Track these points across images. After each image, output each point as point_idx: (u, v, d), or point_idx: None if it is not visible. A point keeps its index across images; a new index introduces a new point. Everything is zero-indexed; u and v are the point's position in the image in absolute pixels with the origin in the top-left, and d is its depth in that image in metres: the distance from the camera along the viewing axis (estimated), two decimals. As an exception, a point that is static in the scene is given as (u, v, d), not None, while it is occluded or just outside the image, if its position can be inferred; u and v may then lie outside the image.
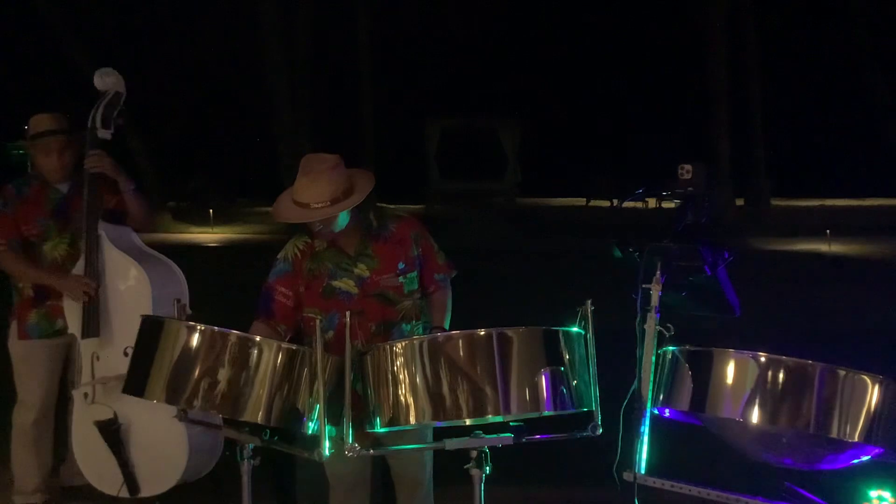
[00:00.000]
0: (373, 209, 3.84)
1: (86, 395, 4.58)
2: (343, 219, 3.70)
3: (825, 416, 3.14)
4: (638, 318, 3.47)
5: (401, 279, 3.78)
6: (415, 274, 3.82)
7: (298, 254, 3.80)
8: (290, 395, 3.23)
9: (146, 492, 4.54)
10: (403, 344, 3.23)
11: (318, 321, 3.27)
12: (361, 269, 3.75)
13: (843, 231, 19.36)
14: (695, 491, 3.35)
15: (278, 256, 3.84)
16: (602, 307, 3.36)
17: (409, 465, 3.85)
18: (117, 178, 4.72)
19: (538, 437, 3.28)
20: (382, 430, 3.26)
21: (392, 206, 4.06)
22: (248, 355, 3.22)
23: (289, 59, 21.25)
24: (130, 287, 4.59)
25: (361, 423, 3.28)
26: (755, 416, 3.21)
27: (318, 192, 3.59)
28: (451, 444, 3.23)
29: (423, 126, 30.07)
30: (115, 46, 23.42)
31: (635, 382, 3.45)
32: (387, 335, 3.70)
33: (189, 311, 3.61)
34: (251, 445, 3.39)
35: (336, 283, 3.74)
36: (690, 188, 3.57)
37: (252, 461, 3.42)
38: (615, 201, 29.01)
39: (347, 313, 3.23)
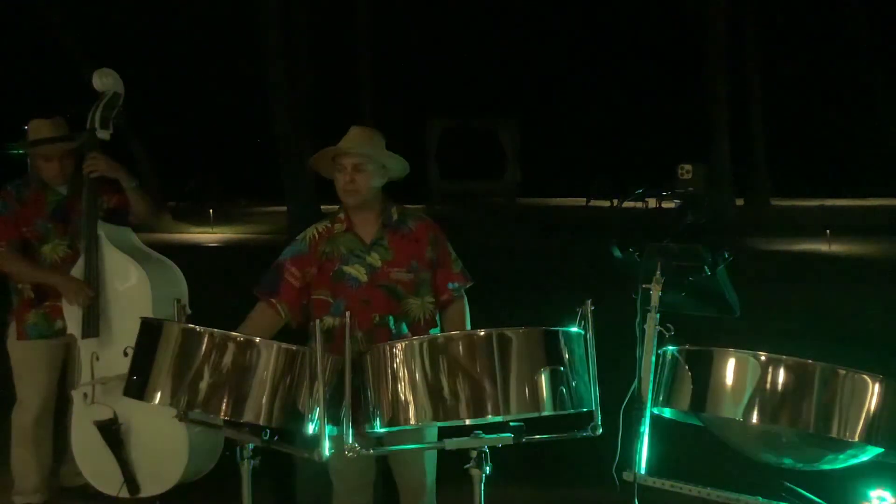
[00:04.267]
0: (395, 205, 3.89)
1: (85, 395, 4.58)
2: (372, 188, 3.78)
3: (825, 416, 3.14)
4: (638, 318, 3.47)
5: (411, 276, 3.79)
6: (427, 275, 3.83)
7: (317, 235, 3.84)
8: (290, 396, 3.23)
9: (146, 492, 4.54)
10: (403, 344, 3.23)
11: (317, 322, 3.27)
12: (373, 259, 3.77)
13: (843, 231, 19.37)
14: (695, 491, 3.35)
15: (297, 237, 3.89)
16: (602, 307, 3.36)
17: (411, 470, 3.84)
18: (117, 176, 4.71)
19: (538, 437, 3.28)
20: (382, 430, 3.26)
21: (412, 207, 4.09)
22: (248, 356, 3.22)
23: (288, 59, 21.23)
24: (130, 287, 4.59)
25: (361, 423, 3.28)
26: (755, 415, 3.21)
27: (362, 141, 3.75)
28: (451, 444, 3.23)
29: (423, 126, 30.08)
30: (114, 46, 23.40)
31: (635, 382, 3.45)
32: (388, 330, 3.70)
33: (189, 311, 3.61)
34: (251, 445, 3.39)
35: (347, 269, 3.77)
36: (690, 188, 3.58)
37: (252, 461, 3.42)
38: (615, 201, 29.01)
39: (347, 314, 3.23)
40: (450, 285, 3.88)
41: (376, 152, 3.79)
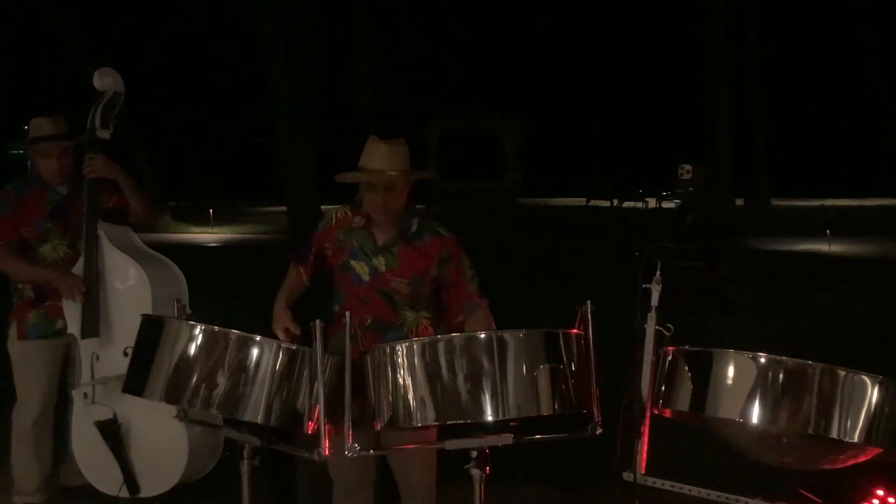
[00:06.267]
0: (419, 215, 3.85)
1: (85, 395, 4.58)
2: (402, 203, 3.75)
3: (825, 417, 3.15)
4: (638, 318, 3.48)
5: (411, 289, 3.75)
6: (428, 291, 3.79)
7: (333, 220, 3.85)
8: (290, 395, 3.24)
9: (146, 492, 4.54)
10: (405, 345, 3.23)
11: (317, 322, 3.27)
12: (379, 262, 3.76)
13: (843, 231, 19.38)
14: (695, 491, 3.35)
15: (325, 215, 3.92)
16: (602, 307, 3.36)
17: (408, 471, 3.83)
18: (115, 176, 4.70)
19: (538, 437, 3.28)
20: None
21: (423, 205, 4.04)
22: (248, 355, 3.23)
23: (289, 60, 21.21)
24: (130, 287, 4.59)
25: (361, 423, 3.28)
26: (755, 416, 3.21)
27: (392, 159, 3.67)
28: (451, 444, 3.24)
29: (423, 126, 30.07)
30: (114, 46, 23.42)
31: (635, 382, 3.45)
32: (379, 335, 3.69)
33: (189, 311, 3.61)
34: (251, 445, 3.39)
35: (353, 263, 3.77)
36: (690, 188, 3.58)
37: (252, 461, 3.42)
38: (615, 201, 29.05)
39: (347, 314, 3.24)
40: (464, 305, 3.82)
41: (409, 171, 3.73)
